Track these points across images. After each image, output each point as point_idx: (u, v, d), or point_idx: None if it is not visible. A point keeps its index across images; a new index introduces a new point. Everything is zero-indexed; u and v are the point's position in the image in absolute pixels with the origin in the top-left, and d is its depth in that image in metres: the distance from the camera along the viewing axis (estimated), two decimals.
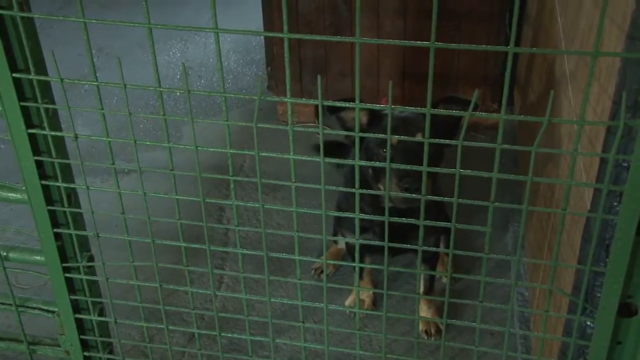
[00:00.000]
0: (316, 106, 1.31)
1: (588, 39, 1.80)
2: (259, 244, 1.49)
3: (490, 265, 1.71)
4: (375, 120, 2.25)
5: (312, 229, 2.07)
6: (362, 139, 1.98)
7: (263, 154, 1.30)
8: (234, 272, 1.69)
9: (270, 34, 3.82)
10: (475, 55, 3.36)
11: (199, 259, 1.59)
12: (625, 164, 1.22)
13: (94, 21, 1.26)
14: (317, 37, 1.24)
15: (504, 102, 1.16)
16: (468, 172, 1.26)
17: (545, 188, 2.31)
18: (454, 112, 1.37)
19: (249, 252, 1.52)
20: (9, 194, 1.62)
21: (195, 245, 1.53)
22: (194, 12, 4.53)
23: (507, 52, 1.10)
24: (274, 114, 3.48)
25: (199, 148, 1.34)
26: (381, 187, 2.25)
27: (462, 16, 3.31)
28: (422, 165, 1.67)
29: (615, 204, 1.28)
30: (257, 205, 1.40)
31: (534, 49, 3.07)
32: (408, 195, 2.04)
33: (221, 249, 1.57)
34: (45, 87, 1.46)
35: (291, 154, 1.30)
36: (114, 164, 1.44)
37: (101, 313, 1.76)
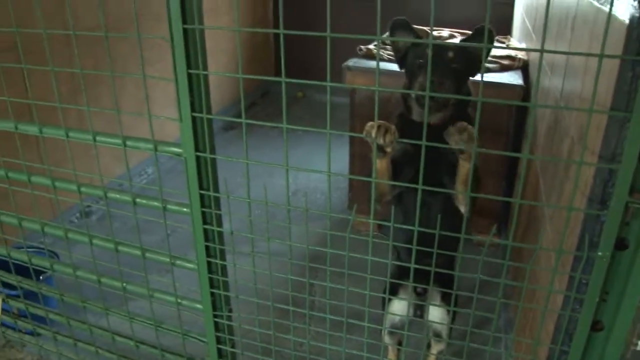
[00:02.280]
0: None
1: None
2: (337, 310, 1.53)
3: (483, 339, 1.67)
4: (415, 44, 1.90)
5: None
6: (405, 56, 1.91)
7: (352, 254, 1.38)
8: (320, 329, 1.74)
9: (351, 176, 3.97)
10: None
11: (295, 317, 1.63)
12: (584, 281, 1.25)
13: (254, 162, 1.39)
14: None
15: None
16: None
17: (530, 291, 2.27)
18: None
19: (330, 316, 1.54)
20: (186, 264, 1.70)
21: (295, 309, 1.59)
22: (305, 152, 4.65)
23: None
24: (350, 226, 3.48)
25: (309, 246, 1.43)
26: (413, 96, 1.84)
27: None
28: (449, 77, 1.68)
29: (577, 306, 1.30)
30: (338, 286, 1.47)
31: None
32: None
33: (314, 314, 1.62)
34: (217, 199, 1.57)
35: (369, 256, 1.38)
36: (253, 251, 1.53)
37: (232, 345, 1.79)
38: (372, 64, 3.16)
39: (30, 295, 2.24)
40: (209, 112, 1.41)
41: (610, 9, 0.99)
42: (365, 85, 3.11)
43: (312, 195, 4.02)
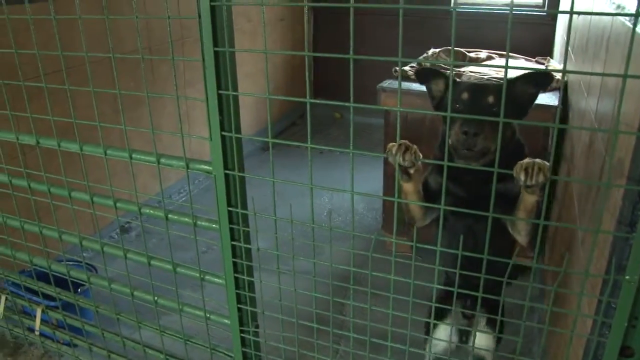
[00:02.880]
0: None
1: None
2: (363, 330, 1.52)
3: None
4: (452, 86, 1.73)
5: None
6: (441, 102, 1.80)
7: (374, 273, 1.39)
8: (347, 349, 1.73)
9: (381, 198, 3.97)
10: None
11: (323, 335, 1.64)
12: (613, 305, 1.22)
13: (279, 181, 1.42)
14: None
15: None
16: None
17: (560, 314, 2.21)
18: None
19: (357, 335, 1.53)
20: (214, 279, 1.73)
21: (320, 327, 1.59)
22: (342, 172, 4.66)
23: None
24: (383, 246, 3.48)
25: (333, 265, 1.44)
26: (450, 141, 1.66)
27: None
28: (492, 130, 1.54)
29: (606, 331, 1.27)
30: (365, 306, 1.47)
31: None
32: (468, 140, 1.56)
33: (338, 332, 1.61)
34: (245, 216, 1.60)
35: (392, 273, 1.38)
36: (278, 268, 1.55)
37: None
38: (406, 85, 3.18)
39: (68, 307, 2.31)
40: (237, 131, 1.45)
41: (634, 29, 0.98)
42: (388, 106, 3.12)
43: (346, 215, 4.03)
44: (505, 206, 1.62)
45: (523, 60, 3.79)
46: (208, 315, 1.78)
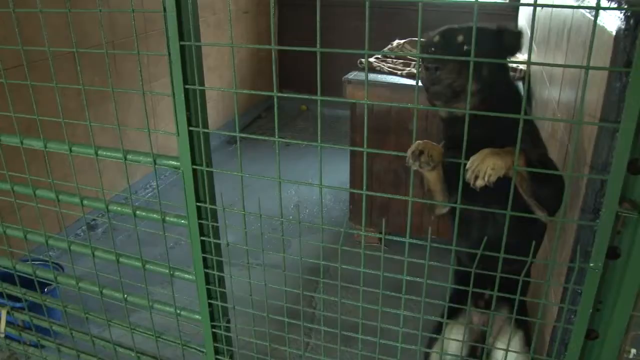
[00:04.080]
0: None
1: None
2: (334, 323, 1.52)
3: None
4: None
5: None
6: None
7: (344, 266, 1.38)
8: (318, 342, 1.73)
9: (350, 191, 3.97)
10: None
11: (294, 329, 1.63)
12: (578, 291, 1.25)
13: (247, 175, 1.40)
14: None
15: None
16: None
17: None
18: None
19: (328, 328, 1.52)
20: (184, 275, 1.71)
21: (291, 320, 1.58)
22: (307, 165, 4.63)
23: None
24: (351, 238, 3.48)
25: (302, 258, 1.44)
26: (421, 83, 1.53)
27: None
28: (458, 65, 1.43)
29: (572, 317, 1.29)
30: (335, 299, 1.46)
31: None
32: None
33: (309, 326, 1.60)
34: (214, 211, 1.57)
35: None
36: (248, 262, 1.54)
37: (231, 356, 1.78)
38: (372, 76, 3.18)
39: (34, 308, 2.25)
40: (205, 126, 1.42)
41: (595, 22, 0.99)
42: (354, 99, 3.12)
43: (313, 208, 4.03)
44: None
45: None
46: (179, 312, 1.75)
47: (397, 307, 1.36)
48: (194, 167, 1.47)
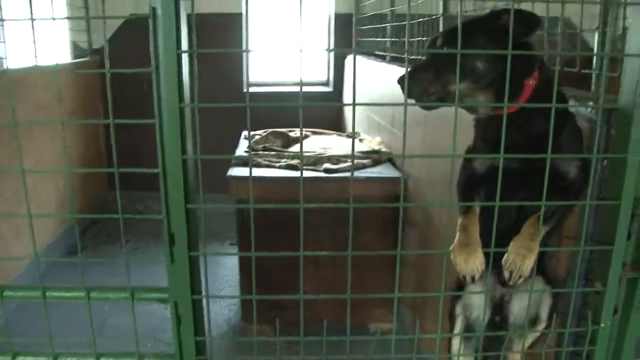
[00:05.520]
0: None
1: None
2: None
3: None
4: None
5: None
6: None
7: None
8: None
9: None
10: None
11: None
12: None
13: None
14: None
15: None
16: None
17: None
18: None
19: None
20: None
21: None
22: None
23: None
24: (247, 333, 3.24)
25: None
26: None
27: None
28: (442, 68, 1.31)
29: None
30: None
31: None
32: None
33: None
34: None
35: None
36: None
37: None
38: (253, 171, 3.08)
39: None
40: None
41: None
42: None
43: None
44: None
45: (335, 135, 4.05)
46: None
47: None
48: (194, 297, 1.30)
